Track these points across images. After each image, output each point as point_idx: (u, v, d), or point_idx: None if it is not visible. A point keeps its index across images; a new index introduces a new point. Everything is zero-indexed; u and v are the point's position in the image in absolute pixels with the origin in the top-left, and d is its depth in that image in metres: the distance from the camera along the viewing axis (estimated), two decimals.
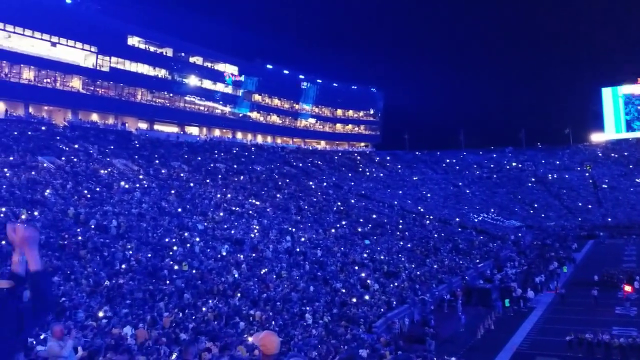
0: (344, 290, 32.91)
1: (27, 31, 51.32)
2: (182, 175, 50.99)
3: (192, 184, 48.26)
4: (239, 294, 26.77)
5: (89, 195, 35.03)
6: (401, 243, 49.66)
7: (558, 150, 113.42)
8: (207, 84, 75.51)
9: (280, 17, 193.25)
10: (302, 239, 41.08)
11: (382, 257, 42.81)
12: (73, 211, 30.44)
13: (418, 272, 41.63)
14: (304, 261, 35.87)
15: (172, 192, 42.99)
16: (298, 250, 37.83)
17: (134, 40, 65.28)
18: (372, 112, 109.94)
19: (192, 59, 74.32)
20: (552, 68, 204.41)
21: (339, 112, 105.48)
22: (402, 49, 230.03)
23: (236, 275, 29.28)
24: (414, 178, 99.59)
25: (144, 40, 66.82)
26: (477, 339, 30.56)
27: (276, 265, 33.44)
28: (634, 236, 67.71)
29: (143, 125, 66.91)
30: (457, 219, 71.75)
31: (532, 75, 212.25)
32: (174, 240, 31.76)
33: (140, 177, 45.36)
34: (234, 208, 44.09)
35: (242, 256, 32.80)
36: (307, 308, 28.09)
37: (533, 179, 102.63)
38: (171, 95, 70.35)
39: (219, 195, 46.81)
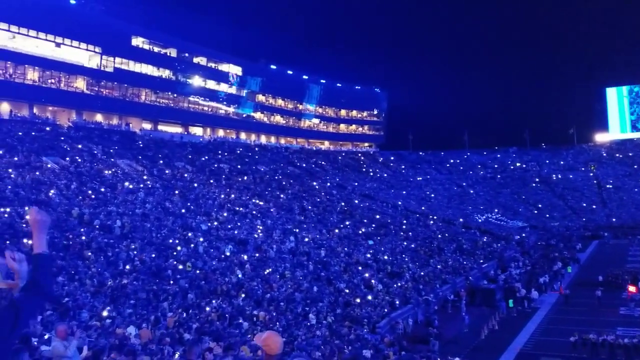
0: (347, 291, 32.90)
1: (32, 32, 51.49)
2: (186, 175, 51.07)
3: (196, 184, 48.34)
4: (242, 294, 26.79)
5: (93, 196, 35.12)
6: (405, 243, 49.62)
7: (562, 151, 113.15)
8: (211, 84, 75.63)
9: (284, 17, 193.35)
10: (306, 239, 41.08)
11: (385, 258, 42.78)
12: (77, 211, 30.52)
13: (422, 273, 41.59)
14: (308, 261, 35.87)
15: (176, 192, 43.06)
16: (302, 250, 37.83)
17: (138, 41, 65.42)
18: (375, 112, 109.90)
19: (196, 60, 74.44)
20: (556, 68, 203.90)
21: (343, 112, 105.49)
22: (405, 49, 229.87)
23: (240, 276, 29.30)
24: (418, 178, 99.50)
25: (148, 41, 66.98)
26: (481, 340, 30.52)
27: (280, 265, 33.46)
28: (638, 237, 67.39)
29: (147, 126, 67.06)
30: (461, 219, 71.65)
31: (536, 75, 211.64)
32: (177, 240, 31.80)
33: (144, 177, 45.45)
34: (237, 208, 44.13)
35: (245, 256, 32.83)
36: (311, 308, 28.10)
37: (537, 179, 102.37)
38: (175, 95, 70.47)
39: (222, 196, 46.87)
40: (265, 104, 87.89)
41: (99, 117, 60.69)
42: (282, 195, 55.16)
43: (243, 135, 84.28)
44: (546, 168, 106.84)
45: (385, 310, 31.80)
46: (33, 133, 46.13)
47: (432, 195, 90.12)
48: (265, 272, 31.31)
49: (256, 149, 79.32)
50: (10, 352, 2.72)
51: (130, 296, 22.73)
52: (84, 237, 27.02)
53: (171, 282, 25.74)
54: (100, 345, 13.86)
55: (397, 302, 33.56)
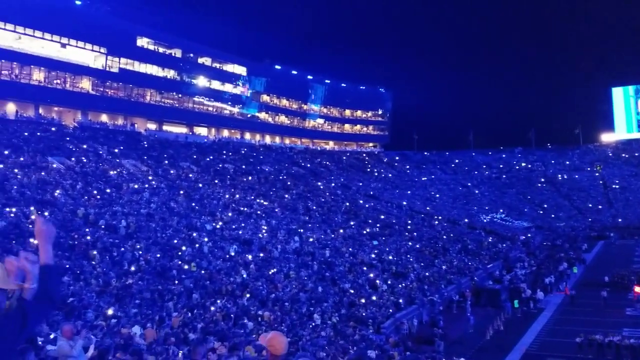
0: (352, 291, 32.88)
1: (37, 32, 51.70)
2: (190, 175, 51.15)
3: (200, 185, 48.41)
4: (247, 294, 26.81)
5: (98, 196, 35.22)
6: (410, 243, 49.56)
7: (568, 151, 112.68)
8: (216, 84, 75.73)
9: (288, 17, 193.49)
10: (311, 240, 41.08)
11: (390, 258, 42.74)
12: (83, 211, 30.61)
13: (427, 273, 41.53)
14: (312, 261, 35.86)
15: (181, 192, 43.14)
16: (306, 250, 37.83)
17: (143, 42, 65.58)
18: (380, 112, 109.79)
19: (200, 60, 74.56)
20: (562, 67, 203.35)
21: (348, 112, 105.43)
22: (410, 48, 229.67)
23: (244, 276, 29.33)
24: (423, 178, 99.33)
25: (153, 42, 67.13)
26: (486, 340, 30.44)
27: (284, 265, 33.46)
28: None
29: (152, 126, 67.20)
30: (466, 220, 71.51)
31: (542, 74, 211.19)
32: (182, 240, 31.86)
33: (149, 177, 45.55)
34: (242, 208, 44.18)
35: (250, 256, 32.85)
36: (316, 308, 28.09)
37: (543, 180, 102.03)
38: (180, 96, 70.60)
39: (227, 196, 46.92)
40: (269, 104, 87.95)
41: (104, 118, 60.87)
42: (286, 196, 55.17)
43: (248, 136, 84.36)
44: (552, 168, 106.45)
45: (390, 310, 31.77)
46: (39, 133, 46.30)
47: (437, 195, 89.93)
48: (270, 272, 31.32)
49: (261, 149, 79.37)
50: (17, 352, 2.72)
51: (135, 296, 22.80)
52: (89, 237, 27.10)
53: (176, 282, 25.79)
54: (105, 344, 13.88)
55: (402, 303, 33.51)
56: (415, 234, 54.64)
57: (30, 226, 26.19)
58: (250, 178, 58.30)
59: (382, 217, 58.99)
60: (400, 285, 36.78)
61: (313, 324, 26.15)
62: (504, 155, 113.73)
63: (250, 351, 16.49)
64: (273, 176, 63.55)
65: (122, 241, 28.54)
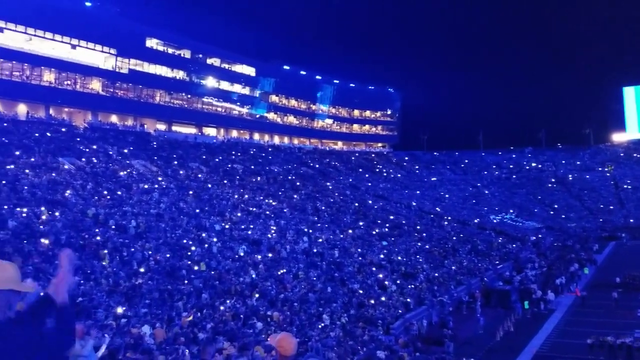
0: (361, 291, 32.82)
1: (48, 34, 52.07)
2: (200, 176, 51.31)
3: (209, 185, 48.55)
4: (256, 295, 26.83)
5: (108, 196, 35.40)
6: (419, 244, 49.43)
7: (579, 151, 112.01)
8: (225, 85, 75.96)
9: (297, 18, 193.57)
10: (319, 240, 41.07)
11: (399, 258, 42.65)
12: (93, 211, 30.78)
13: (436, 274, 41.40)
14: (321, 262, 35.84)
15: (190, 192, 43.27)
16: (315, 251, 37.81)
17: (152, 43, 65.89)
18: (389, 112, 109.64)
19: (209, 61, 74.81)
20: (573, 66, 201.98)
21: (356, 112, 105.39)
22: (419, 48, 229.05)
23: (253, 276, 29.36)
24: (432, 179, 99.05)
25: (162, 42, 67.43)
26: (496, 341, 30.28)
27: (293, 265, 33.47)
28: None
29: (161, 127, 67.50)
30: (476, 220, 71.22)
31: (552, 74, 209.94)
32: (191, 240, 31.95)
33: (159, 178, 45.73)
34: (251, 209, 44.24)
35: (259, 257, 32.88)
36: (325, 309, 28.07)
37: (553, 180, 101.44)
38: (189, 96, 70.88)
39: (236, 196, 47.01)
40: (278, 104, 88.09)
41: (114, 118, 61.20)
42: (295, 196, 55.20)
43: (256, 136, 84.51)
44: (562, 168, 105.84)
45: (400, 311, 31.69)
46: (49, 134, 46.60)
47: (447, 195, 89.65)
48: (279, 273, 31.33)
49: (269, 149, 79.48)
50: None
51: (145, 296, 22.88)
52: (99, 237, 27.23)
53: (185, 282, 25.86)
54: (115, 344, 13.93)
55: (412, 303, 33.42)
56: (424, 234, 54.50)
57: (42, 227, 26.39)
58: (259, 178, 58.39)
59: (391, 217, 58.88)
60: (409, 286, 36.69)
61: (322, 324, 26.12)
62: (514, 156, 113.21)
63: (260, 351, 16.50)
64: (282, 176, 63.61)
65: (132, 241, 28.66)
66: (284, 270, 31.88)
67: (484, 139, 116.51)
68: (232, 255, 31.61)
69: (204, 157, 60.14)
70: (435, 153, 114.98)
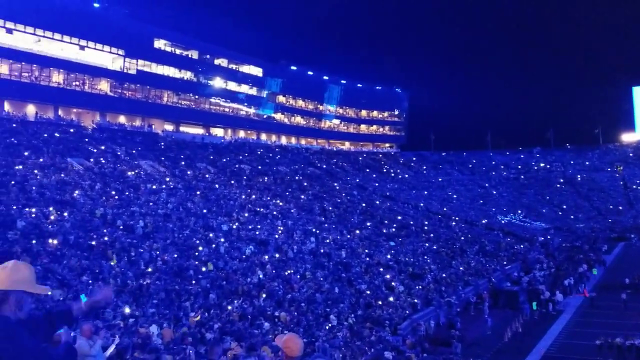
0: (368, 292, 32.77)
1: (57, 35, 52.38)
2: (207, 176, 51.43)
3: (217, 185, 48.64)
4: (263, 295, 26.86)
5: (116, 196, 35.54)
6: (426, 244, 49.30)
7: (587, 151, 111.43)
8: (232, 85, 76.11)
9: (304, 18, 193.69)
10: (327, 240, 41.05)
11: (407, 259, 42.56)
12: (101, 211, 30.91)
13: (444, 274, 41.28)
14: (329, 262, 35.81)
15: (198, 193, 43.38)
16: (322, 251, 37.79)
17: (160, 43, 66.13)
18: (396, 112, 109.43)
19: (217, 61, 74.99)
20: (582, 66, 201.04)
21: (364, 112, 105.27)
22: (426, 48, 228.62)
23: (261, 276, 29.38)
24: (440, 179, 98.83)
25: (170, 43, 67.67)
26: (504, 342, 30.16)
27: (300, 266, 33.47)
28: None
29: (169, 127, 67.72)
30: (484, 221, 70.94)
31: (561, 73, 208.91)
32: (199, 240, 32.02)
33: (167, 178, 45.87)
34: (258, 209, 44.28)
35: (266, 257, 32.90)
36: (332, 309, 28.05)
37: (562, 180, 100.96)
38: (196, 97, 71.08)
39: (243, 196, 47.08)
40: (285, 104, 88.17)
41: (122, 119, 61.46)
42: (302, 196, 55.21)
43: (264, 136, 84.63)
44: (571, 169, 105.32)
45: (407, 312, 31.62)
46: (58, 135, 46.87)
47: (454, 196, 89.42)
48: (286, 273, 31.34)
49: (277, 149, 79.56)
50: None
51: (152, 296, 22.96)
52: (107, 238, 27.35)
53: (193, 282, 25.91)
54: (123, 344, 13.99)
55: (419, 304, 33.34)
56: (432, 235, 54.34)
57: (50, 227, 26.53)
58: (266, 179, 58.45)
59: (399, 218, 58.76)
60: (417, 287, 36.60)
61: (329, 324, 26.12)
62: (522, 156, 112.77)
63: (267, 351, 16.51)
64: (289, 177, 63.65)
65: (140, 241, 28.76)
66: (291, 271, 31.89)
67: (492, 139, 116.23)
68: (239, 256, 31.65)
69: (212, 157, 60.27)
70: (442, 153, 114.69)
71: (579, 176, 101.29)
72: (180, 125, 69.78)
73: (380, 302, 31.57)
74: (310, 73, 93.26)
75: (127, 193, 37.38)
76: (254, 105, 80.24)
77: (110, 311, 19.89)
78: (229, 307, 24.04)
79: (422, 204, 72.54)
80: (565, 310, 37.16)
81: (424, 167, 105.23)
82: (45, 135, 45.34)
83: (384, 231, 50.11)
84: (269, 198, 49.70)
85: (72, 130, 50.52)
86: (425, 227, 57.50)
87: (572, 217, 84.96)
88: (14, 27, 48.69)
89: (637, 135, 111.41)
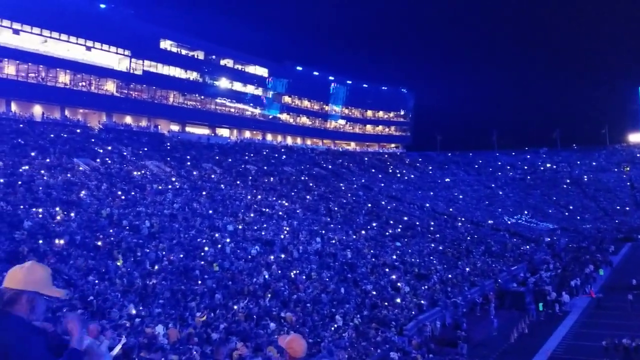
0: (374, 293, 32.72)
1: (63, 36, 52.59)
2: (213, 176, 51.50)
3: (222, 186, 48.69)
4: (269, 295, 26.86)
5: (123, 197, 35.63)
6: (432, 245, 49.19)
7: (594, 151, 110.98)
8: (238, 86, 76.20)
9: (310, 18, 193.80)
10: (332, 241, 41.02)
11: (413, 260, 42.47)
12: (107, 212, 31.00)
13: (450, 275, 41.17)
14: (334, 263, 35.79)
15: (204, 193, 43.44)
16: (328, 251, 37.77)
17: (166, 44, 66.29)
18: (402, 113, 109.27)
19: (222, 62, 75.08)
20: (588, 66, 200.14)
21: (369, 113, 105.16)
22: (432, 48, 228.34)
23: (266, 276, 29.39)
24: (446, 179, 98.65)
25: (176, 44, 67.84)
26: (510, 343, 30.06)
27: (306, 266, 33.45)
28: None
29: (175, 128, 67.85)
30: (490, 221, 70.74)
31: (567, 73, 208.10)
32: (205, 241, 32.06)
33: (173, 178, 45.96)
34: (264, 209, 44.30)
35: (272, 257, 32.91)
36: (338, 310, 28.03)
37: (568, 181, 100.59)
38: (202, 97, 71.20)
39: (249, 197, 47.11)
40: (291, 105, 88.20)
41: (128, 119, 61.64)
42: (308, 197, 55.20)
43: (269, 137, 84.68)
44: (577, 169, 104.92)
45: (413, 312, 31.55)
46: (64, 135, 47.04)
47: (460, 196, 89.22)
48: (292, 273, 31.33)
49: (282, 150, 79.59)
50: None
51: (158, 296, 23.01)
52: (112, 238, 27.43)
53: (199, 282, 25.96)
54: (129, 344, 14.00)
55: (425, 305, 33.26)
56: (438, 235, 54.22)
57: (57, 227, 26.63)
58: (271, 179, 58.48)
59: (405, 218, 58.67)
60: (423, 287, 36.52)
61: (335, 325, 26.10)
62: (528, 156, 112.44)
63: (273, 352, 16.50)
64: (294, 177, 63.66)
65: (146, 241, 28.83)
66: (297, 271, 31.88)
67: (498, 140, 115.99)
68: (245, 256, 31.67)
69: (217, 157, 60.36)
70: (448, 154, 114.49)
71: (585, 176, 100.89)
72: (186, 125, 69.92)
73: (386, 303, 31.52)
74: (315, 73, 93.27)
75: (133, 193, 37.48)
76: (259, 105, 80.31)
77: (116, 311, 19.96)
78: (235, 307, 24.07)
79: (427, 205, 72.40)
80: (572, 311, 37.01)
81: (430, 168, 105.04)
82: (52, 135, 45.52)
83: (390, 232, 50.03)
84: (274, 198, 49.72)
85: (78, 130, 50.69)
86: (431, 228, 57.39)
87: (578, 217, 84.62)
88: (20, 28, 48.92)
89: None
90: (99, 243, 26.18)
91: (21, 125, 45.77)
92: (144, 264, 25.90)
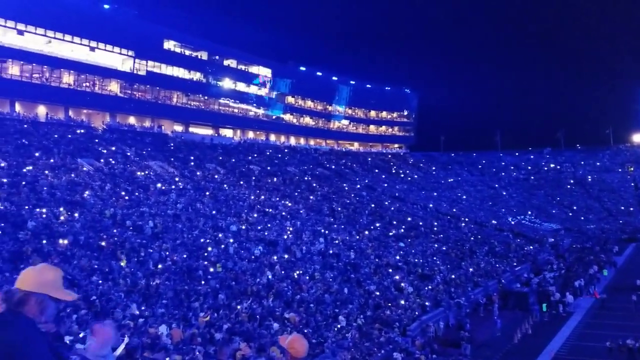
0: (377, 293, 32.70)
1: (67, 36, 52.73)
2: (216, 177, 51.54)
3: (226, 186, 48.73)
4: (272, 295, 26.87)
5: (126, 197, 35.70)
6: (436, 245, 49.12)
7: (598, 151, 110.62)
8: (241, 86, 76.27)
9: (313, 18, 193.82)
10: (336, 241, 41.01)
11: (416, 260, 42.42)
12: (111, 212, 31.05)
13: (453, 275, 41.11)
14: (337, 263, 35.77)
15: (207, 193, 43.48)
16: (331, 252, 37.76)
17: (169, 44, 66.40)
18: (406, 113, 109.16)
19: (226, 62, 75.16)
20: (592, 66, 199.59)
21: (373, 113, 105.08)
22: (436, 48, 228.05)
23: (270, 277, 29.40)
24: (449, 180, 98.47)
25: (180, 44, 67.93)
26: (514, 344, 30.02)
27: (309, 267, 33.45)
28: None
29: (178, 128, 67.95)
30: (494, 222, 70.60)
31: (571, 73, 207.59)
32: (208, 241, 32.09)
33: (176, 178, 46.02)
34: (267, 209, 44.32)
35: (275, 257, 32.91)
36: (341, 310, 28.02)
37: (572, 181, 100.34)
38: (206, 98, 71.29)
39: (252, 197, 47.12)
40: (294, 105, 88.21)
41: (132, 120, 61.75)
42: (311, 197, 55.20)
43: (273, 137, 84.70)
44: (581, 169, 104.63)
45: (416, 313, 31.52)
46: (69, 135, 47.18)
47: (464, 197, 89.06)
48: (295, 274, 31.33)
49: (286, 150, 79.61)
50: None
51: (162, 296, 23.03)
52: (116, 238, 27.48)
53: (202, 282, 25.98)
54: (133, 344, 14.01)
55: (428, 305, 33.23)
56: (441, 235, 54.13)
57: (61, 227, 26.69)
58: (275, 179, 58.50)
59: (408, 218, 58.60)
60: (426, 288, 36.48)
61: (338, 325, 26.08)
62: (532, 156, 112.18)
63: (276, 352, 16.51)
64: (298, 177, 63.67)
65: (149, 242, 28.87)
66: (300, 272, 31.88)
67: (502, 140, 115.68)
68: (248, 256, 31.68)
69: (221, 158, 60.42)
70: (452, 154, 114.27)
71: (589, 177, 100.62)
72: (190, 126, 70.01)
73: (389, 303, 31.50)
74: (319, 73, 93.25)
75: (136, 194, 37.54)
76: (263, 106, 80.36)
77: (119, 311, 19.99)
78: (238, 308, 24.08)
79: (431, 205, 72.31)
80: (576, 311, 36.93)
81: (433, 168, 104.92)
82: (56, 136, 45.63)
83: (393, 232, 49.98)
84: (278, 199, 49.73)
85: (82, 131, 50.83)
86: (435, 228, 57.30)
87: (582, 218, 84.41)
88: (24, 28, 49.07)
89: None
90: (103, 243, 26.23)
91: (25, 126, 45.92)
92: (148, 264, 25.94)
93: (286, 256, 33.87)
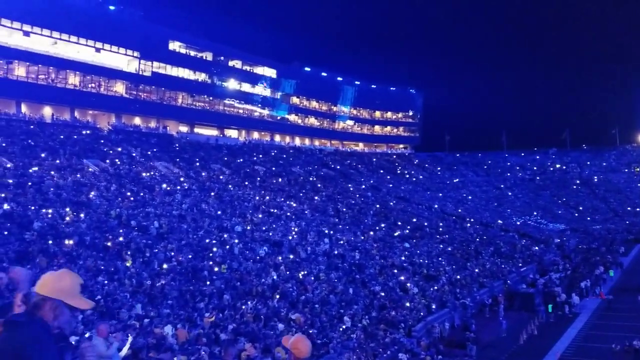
0: (382, 294, 32.66)
1: (73, 37, 52.91)
2: (221, 177, 51.61)
3: (231, 186, 48.78)
4: (277, 296, 26.88)
5: (132, 197, 35.79)
6: (441, 246, 49.03)
7: (604, 152, 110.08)
8: (246, 87, 76.34)
9: (318, 19, 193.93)
10: (341, 242, 40.99)
11: (421, 260, 42.35)
12: (117, 212, 31.14)
13: (458, 276, 41.02)
14: (342, 263, 35.76)
15: (212, 194, 43.55)
16: (336, 252, 37.74)
17: (175, 45, 66.54)
18: (411, 113, 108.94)
19: (231, 63, 75.22)
20: (598, 66, 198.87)
21: (378, 113, 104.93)
22: (441, 49, 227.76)
23: (275, 277, 29.41)
24: (455, 180, 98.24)
25: (185, 45, 68.06)
26: (520, 345, 29.91)
27: (314, 267, 33.45)
28: None
29: (184, 129, 68.07)
30: (499, 222, 70.40)
31: (577, 73, 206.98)
32: (213, 241, 32.13)
33: (181, 179, 46.10)
34: (272, 210, 44.35)
35: (280, 258, 32.93)
36: (346, 311, 28.00)
37: (578, 181, 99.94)
38: (211, 98, 71.38)
39: (257, 197, 47.17)
40: (299, 106, 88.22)
41: (137, 121, 61.90)
42: (316, 197, 55.20)
43: (277, 138, 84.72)
44: (587, 169, 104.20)
45: (421, 313, 31.46)
46: (74, 136, 47.34)
47: (469, 197, 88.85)
48: (300, 274, 31.34)
49: (291, 151, 79.63)
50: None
51: (167, 296, 23.08)
52: (122, 238, 27.55)
53: (207, 283, 26.02)
54: (138, 344, 14.06)
55: (434, 306, 33.17)
56: (446, 236, 54.02)
57: (66, 227, 26.78)
58: (280, 180, 58.54)
59: (413, 219, 58.52)
60: (431, 288, 36.41)
61: (343, 326, 26.07)
62: (537, 157, 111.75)
63: (281, 352, 16.52)
64: (303, 178, 63.68)
65: (155, 242, 28.93)
66: (305, 272, 31.88)
67: (507, 140, 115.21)
68: (253, 257, 31.72)
69: (226, 158, 60.50)
70: (457, 154, 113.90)
71: (595, 177, 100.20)
72: (195, 126, 70.12)
73: (394, 304, 31.45)
74: (324, 74, 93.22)
75: (142, 194, 37.63)
76: (267, 106, 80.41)
77: (125, 311, 20.05)
78: (243, 308, 24.10)
79: (436, 205, 72.17)
80: (582, 312, 36.76)
81: (439, 168, 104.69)
82: (62, 136, 45.79)
83: (398, 233, 49.91)
84: (282, 199, 49.76)
85: (88, 131, 50.99)
86: (440, 229, 57.20)
87: (588, 218, 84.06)
88: (30, 29, 49.27)
89: None
90: (108, 244, 26.31)
91: (31, 127, 46.11)
92: (153, 264, 26.01)
93: (291, 257, 33.89)
